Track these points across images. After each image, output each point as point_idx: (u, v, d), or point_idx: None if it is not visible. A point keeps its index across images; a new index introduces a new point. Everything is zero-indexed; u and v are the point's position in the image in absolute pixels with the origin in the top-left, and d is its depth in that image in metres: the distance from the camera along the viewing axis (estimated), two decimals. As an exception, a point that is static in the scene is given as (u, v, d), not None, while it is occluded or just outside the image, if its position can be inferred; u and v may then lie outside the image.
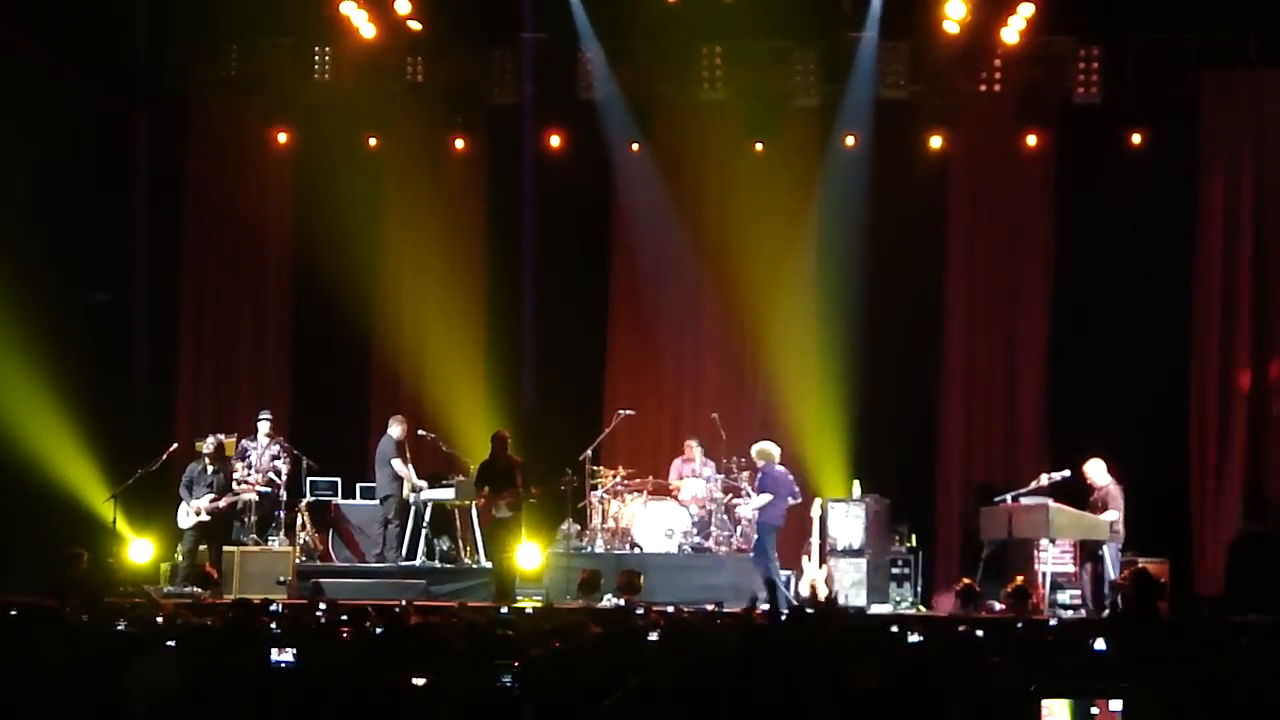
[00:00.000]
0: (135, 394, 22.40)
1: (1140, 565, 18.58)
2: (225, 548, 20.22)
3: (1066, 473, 19.32)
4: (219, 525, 20.13)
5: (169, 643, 8.61)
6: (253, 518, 20.58)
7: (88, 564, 18.51)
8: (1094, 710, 5.84)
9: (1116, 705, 5.87)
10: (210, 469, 20.05)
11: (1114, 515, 18.98)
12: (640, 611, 14.82)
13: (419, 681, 6.59)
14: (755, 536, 19.44)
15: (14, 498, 20.48)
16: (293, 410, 22.69)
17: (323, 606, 14.83)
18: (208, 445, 20.16)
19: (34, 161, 20.70)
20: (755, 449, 19.61)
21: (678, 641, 9.71)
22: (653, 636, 10.11)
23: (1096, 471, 19.24)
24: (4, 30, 20.32)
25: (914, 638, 10.03)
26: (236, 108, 22.66)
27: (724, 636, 10.62)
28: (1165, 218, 21.31)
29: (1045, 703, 5.88)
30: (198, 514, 19.90)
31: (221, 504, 20.02)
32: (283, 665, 7.91)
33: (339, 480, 21.67)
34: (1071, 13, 20.81)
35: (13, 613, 12.11)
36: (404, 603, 15.59)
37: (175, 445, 20.42)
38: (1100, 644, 9.97)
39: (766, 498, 19.18)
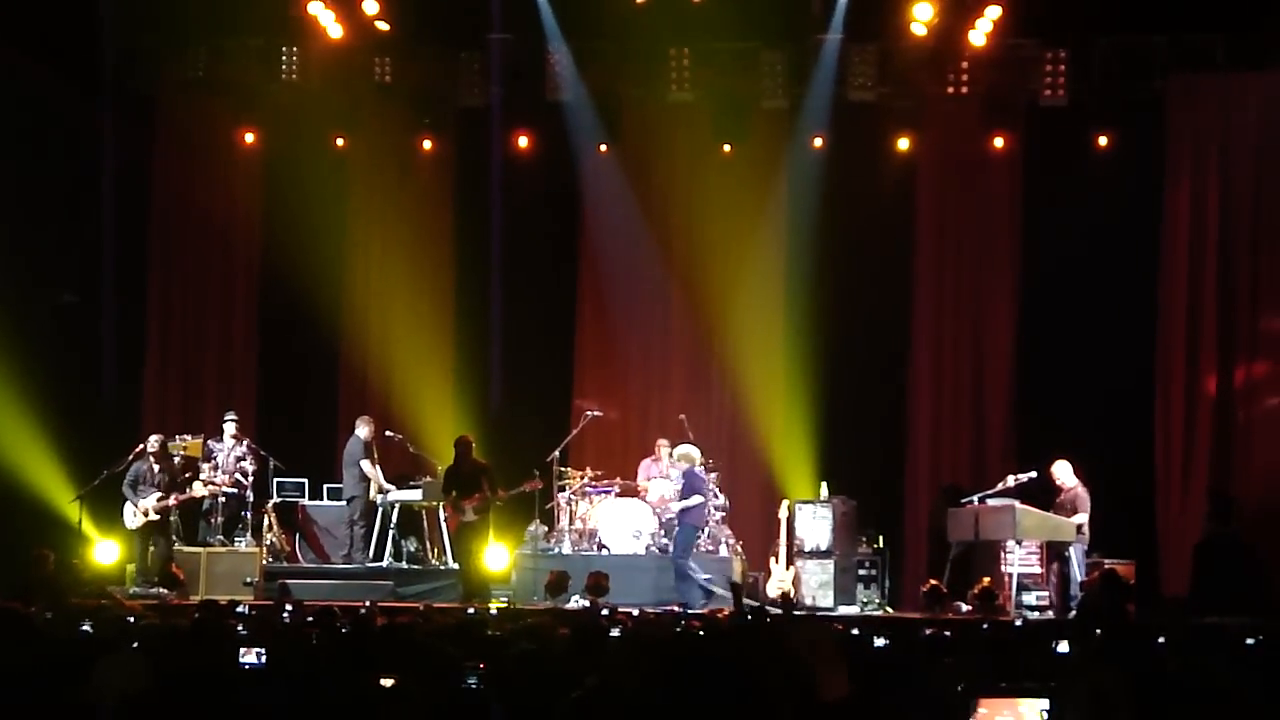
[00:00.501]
0: (102, 394, 22.32)
1: (1107, 566, 18.67)
2: (189, 548, 20.19)
3: (1033, 474, 19.38)
4: (166, 524, 20.08)
5: (133, 644, 8.59)
6: (219, 518, 20.53)
7: (54, 565, 18.48)
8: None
9: (1042, 704, 5.90)
10: (156, 468, 19.98)
11: (1083, 518, 19.05)
12: (605, 612, 14.85)
13: (386, 682, 6.59)
14: (675, 535, 19.53)
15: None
16: (260, 411, 22.65)
17: (289, 608, 14.82)
18: (152, 444, 20.09)
19: (1, 160, 20.63)
20: (679, 451, 19.70)
21: (639, 640, 9.73)
22: (614, 633, 10.12)
23: (1064, 473, 19.31)
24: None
25: (879, 641, 10.04)
26: (204, 108, 22.60)
27: (687, 636, 10.64)
28: (1131, 220, 21.39)
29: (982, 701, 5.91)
30: (145, 514, 19.84)
31: (170, 502, 19.96)
32: (249, 666, 7.91)
33: (306, 481, 21.62)
34: (1038, 16, 20.88)
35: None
36: (369, 604, 15.58)
37: (141, 446, 20.34)
38: (1063, 646, 10.00)
39: (698, 499, 19.29)
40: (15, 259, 21.00)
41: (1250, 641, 11.28)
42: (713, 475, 20.61)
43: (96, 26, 21.39)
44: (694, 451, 19.65)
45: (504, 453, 20.97)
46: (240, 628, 11.04)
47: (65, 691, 7.19)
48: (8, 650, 8.37)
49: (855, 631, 11.04)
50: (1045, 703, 5.91)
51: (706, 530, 20.16)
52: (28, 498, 20.60)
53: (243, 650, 8.13)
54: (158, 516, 19.89)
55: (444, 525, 20.89)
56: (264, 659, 8.02)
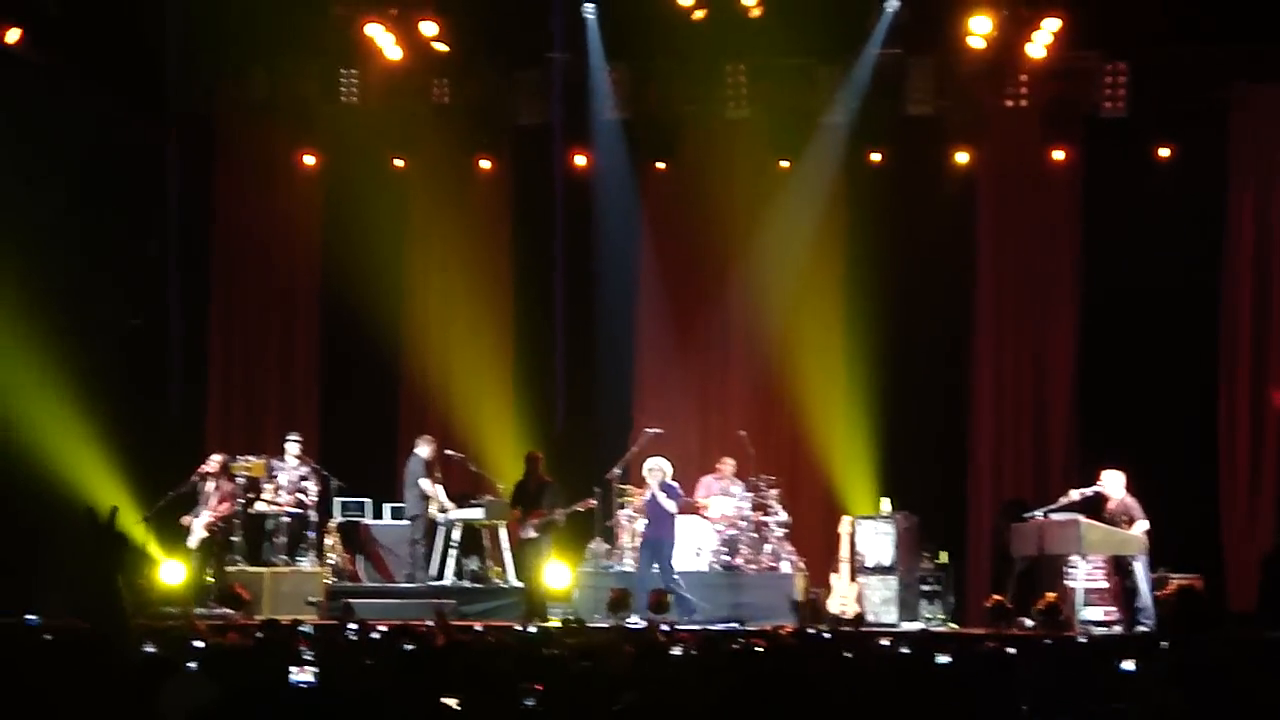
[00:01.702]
0: (167, 417, 22.48)
1: (1176, 581, 18.50)
2: (253, 568, 20.30)
3: (1097, 488, 19.24)
4: (223, 543, 20.19)
5: (190, 664, 8.63)
6: (283, 538, 20.62)
7: (121, 586, 18.56)
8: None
9: None
10: (211, 485, 20.12)
11: (1144, 524, 18.88)
12: (665, 629, 14.84)
13: (449, 703, 6.58)
14: (651, 547, 19.62)
15: (48, 521, 20.56)
16: (322, 431, 22.77)
17: (352, 627, 14.86)
18: (210, 464, 20.25)
19: (64, 184, 20.82)
20: (652, 464, 19.70)
21: (702, 659, 9.71)
22: (676, 651, 10.11)
23: (1112, 484, 19.12)
24: (33, 53, 20.44)
25: (943, 659, 9.98)
26: (263, 130, 22.76)
27: (748, 654, 10.60)
28: (1194, 232, 21.24)
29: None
30: (198, 530, 20.01)
31: (213, 517, 20.07)
32: (302, 685, 7.92)
33: (368, 501, 21.70)
34: (1098, 27, 20.76)
35: (47, 636, 12.14)
36: (432, 622, 15.60)
37: (206, 468, 20.44)
38: (1129, 664, 9.90)
39: (674, 507, 19.55)
40: (80, 283, 21.18)
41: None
42: (774, 491, 20.60)
43: (157, 50, 21.55)
44: (667, 465, 19.70)
45: (566, 470, 21.00)
46: (302, 648, 11.07)
47: (133, 712, 7.22)
48: (76, 672, 8.42)
49: (905, 650, 10.94)
50: None
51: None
52: (93, 520, 20.69)
53: (294, 670, 8.15)
54: (208, 534, 20.02)
55: (505, 543, 20.94)
56: (316, 678, 8.05)
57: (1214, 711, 6.44)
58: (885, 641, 13.27)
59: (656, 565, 19.52)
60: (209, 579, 20.09)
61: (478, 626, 16.30)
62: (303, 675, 8.09)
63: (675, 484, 19.76)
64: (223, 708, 5.41)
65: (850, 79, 21.51)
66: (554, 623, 17.05)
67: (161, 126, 22.12)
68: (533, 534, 20.22)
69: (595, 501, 20.37)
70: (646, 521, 19.80)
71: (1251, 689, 7.16)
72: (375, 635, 12.63)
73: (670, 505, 19.55)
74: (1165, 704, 5.78)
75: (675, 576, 19.43)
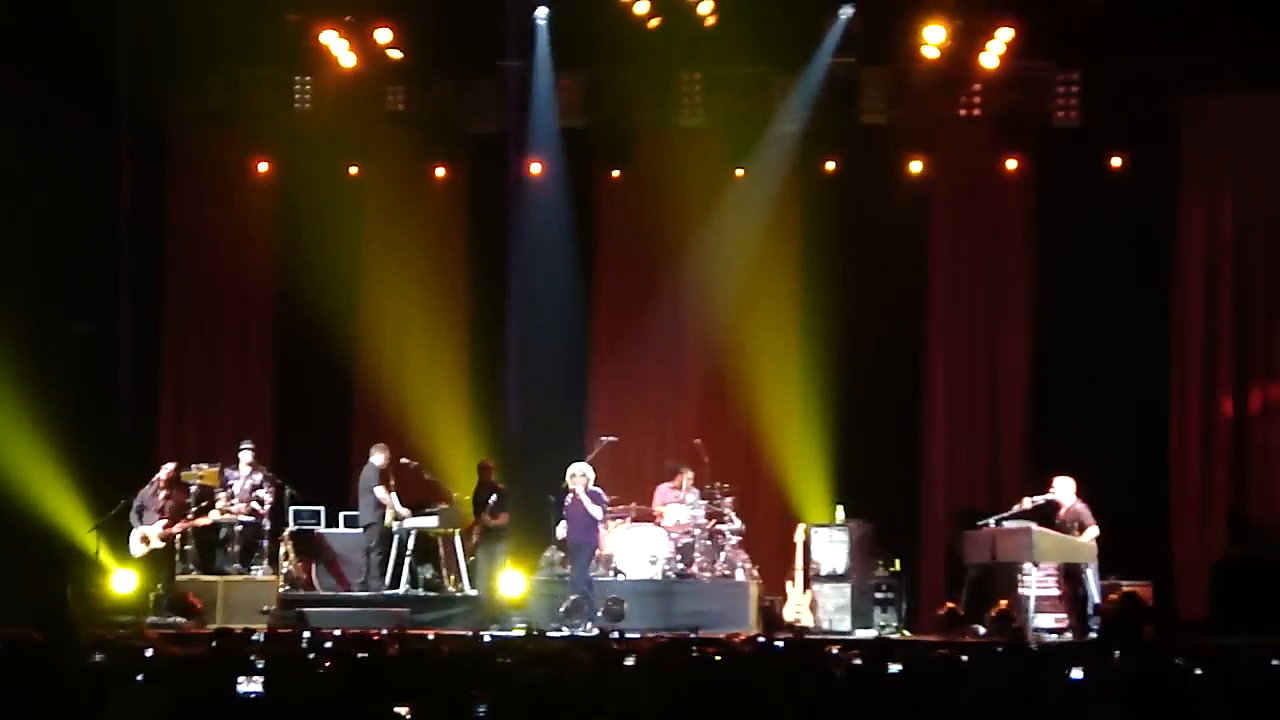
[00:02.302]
0: (119, 424, 22.37)
1: (1125, 588, 18.60)
2: (206, 577, 20.21)
3: (1050, 496, 19.32)
4: (172, 552, 20.10)
5: (138, 676, 8.59)
6: (236, 547, 20.52)
7: (71, 595, 18.51)
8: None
9: None
10: (162, 494, 20.02)
11: (1094, 531, 18.96)
12: (614, 636, 14.85)
13: (400, 711, 6.58)
14: (574, 552, 19.72)
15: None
16: (276, 438, 22.69)
17: (306, 635, 14.80)
18: (164, 471, 20.16)
19: (16, 192, 20.72)
20: (577, 469, 19.76)
21: (656, 668, 9.71)
22: (629, 662, 10.11)
23: (1064, 491, 19.20)
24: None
25: (894, 667, 9.98)
26: (217, 138, 22.70)
27: (704, 663, 10.61)
28: (1146, 241, 21.39)
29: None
30: (145, 541, 19.89)
31: (175, 530, 19.98)
32: (250, 695, 7.90)
33: (322, 509, 21.64)
34: (1051, 38, 20.89)
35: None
36: (385, 632, 15.56)
37: (158, 475, 20.34)
38: (1077, 673, 9.92)
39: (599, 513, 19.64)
40: (32, 289, 21.10)
41: (1276, 663, 11.20)
42: (729, 499, 20.62)
43: (111, 57, 21.45)
44: (590, 470, 19.82)
45: (520, 479, 20.99)
46: (253, 658, 11.03)
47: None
48: (26, 680, 8.38)
49: (857, 662, 10.93)
50: None
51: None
52: (45, 527, 20.65)
53: (241, 679, 8.12)
54: (162, 544, 19.92)
55: (460, 551, 20.93)
56: (265, 687, 8.03)
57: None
58: (836, 650, 13.28)
59: (575, 569, 19.61)
60: (160, 588, 19.99)
61: (430, 635, 16.26)
62: (251, 685, 8.07)
63: (599, 490, 19.80)
64: (170, 718, 5.40)
65: (804, 88, 21.54)
66: (512, 630, 17.04)
67: (115, 134, 21.98)
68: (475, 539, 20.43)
69: (505, 515, 20.43)
70: (569, 527, 19.81)
71: (1195, 701, 7.20)
72: (328, 644, 12.58)
73: (596, 511, 19.57)
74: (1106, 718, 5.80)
75: (588, 582, 19.49)
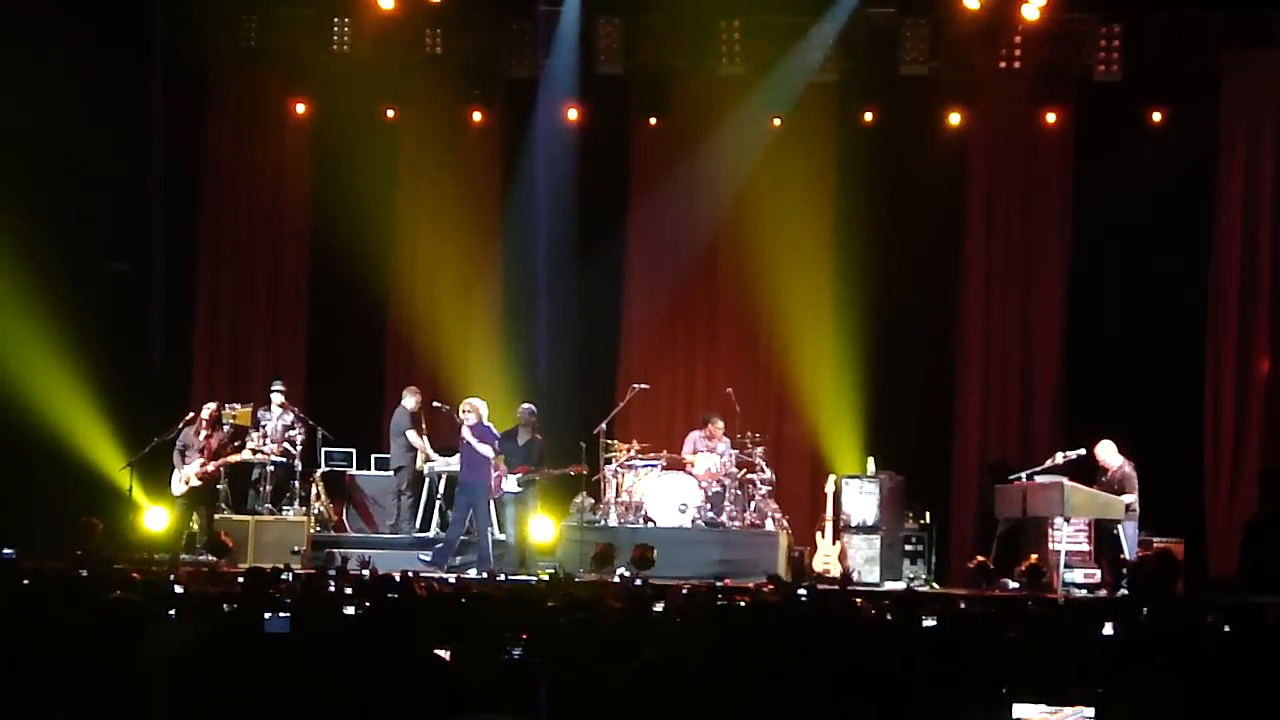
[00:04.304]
0: (152, 363, 22.46)
1: (1157, 545, 18.59)
2: (238, 516, 20.31)
3: (1082, 451, 19.30)
4: (211, 492, 20.18)
5: (170, 611, 8.65)
6: (267, 487, 20.60)
7: (102, 532, 18.65)
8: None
9: (1089, 712, 5.83)
10: (202, 435, 20.07)
11: (1131, 497, 18.98)
12: (638, 583, 14.88)
13: (438, 653, 6.59)
14: (467, 491, 19.87)
15: (32, 465, 20.58)
16: (308, 380, 22.76)
17: (331, 573, 14.89)
18: (204, 411, 20.20)
19: (54, 129, 20.74)
20: (468, 403, 19.90)
21: (691, 615, 9.72)
22: (658, 608, 10.13)
23: (1108, 453, 19.22)
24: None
25: (928, 621, 9.97)
26: (255, 77, 22.66)
27: (739, 611, 10.63)
28: (1184, 196, 21.24)
29: (1016, 707, 5.84)
30: (186, 481, 19.95)
31: (210, 469, 20.04)
32: (275, 631, 7.95)
33: (354, 451, 21.69)
34: (1092, -11, 20.75)
35: (26, 581, 12.17)
36: (412, 573, 15.65)
37: (192, 414, 20.41)
38: (1108, 629, 9.91)
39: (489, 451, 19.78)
40: (66, 228, 21.15)
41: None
42: (759, 449, 20.62)
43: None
44: (483, 405, 19.82)
45: (551, 424, 21.00)
46: (280, 595, 11.09)
47: (115, 655, 7.24)
48: (59, 614, 8.44)
49: (889, 617, 10.94)
50: (1090, 712, 5.84)
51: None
52: (79, 465, 20.77)
53: (267, 615, 8.17)
54: (200, 483, 19.99)
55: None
56: (289, 624, 8.08)
57: (1203, 692, 6.44)
58: (867, 601, 13.29)
59: (471, 510, 19.69)
60: (194, 526, 20.09)
61: (452, 579, 16.34)
62: (277, 622, 8.12)
63: (489, 425, 19.86)
64: (196, 651, 5.42)
65: (821, 37, 21.41)
66: (540, 576, 17.08)
67: (152, 72, 21.99)
68: (516, 488, 20.27)
69: (585, 468, 20.39)
70: (461, 464, 19.86)
71: (1223, 657, 7.16)
72: (355, 585, 12.65)
73: (484, 450, 19.59)
74: (1147, 688, 5.76)
75: (489, 527, 19.75)
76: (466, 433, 19.69)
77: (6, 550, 16.30)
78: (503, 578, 17.01)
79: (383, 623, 9.14)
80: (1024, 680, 6.30)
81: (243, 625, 8.25)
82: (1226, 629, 10.31)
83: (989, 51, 21.36)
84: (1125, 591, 17.42)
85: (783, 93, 21.87)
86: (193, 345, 23.05)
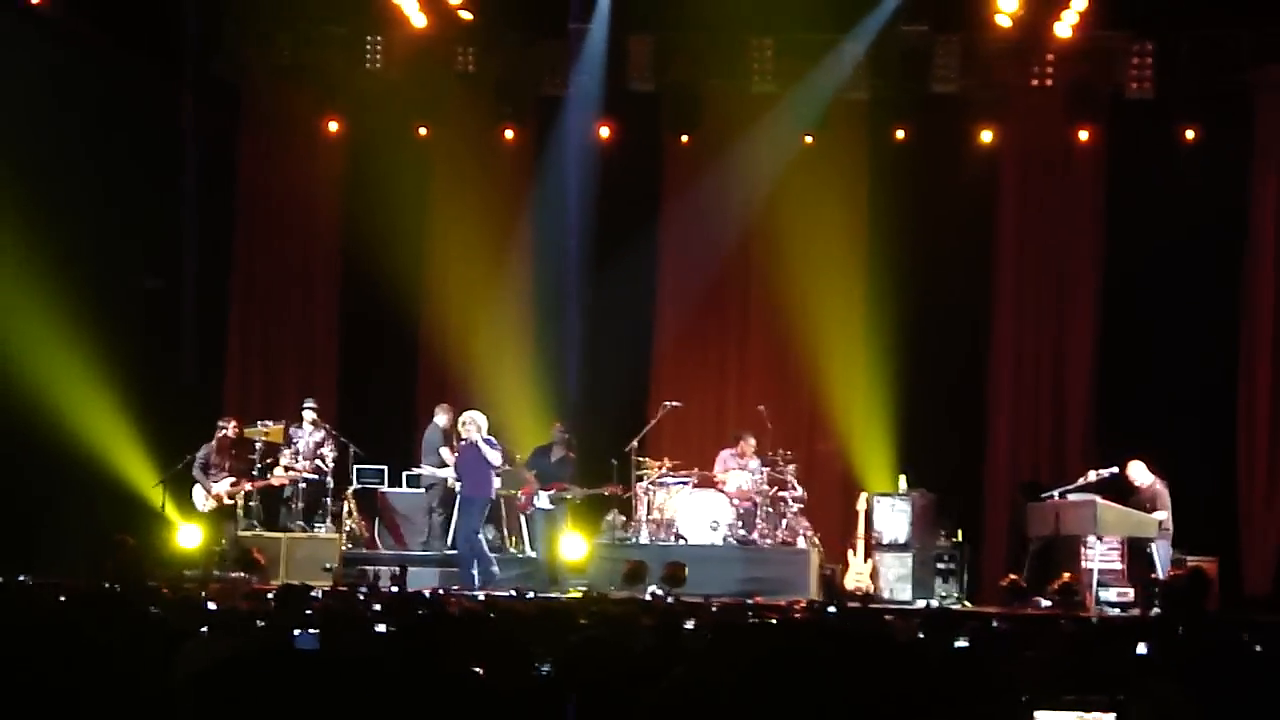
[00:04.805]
0: (185, 380, 22.53)
1: (1190, 563, 18.51)
2: (270, 533, 20.35)
3: (1114, 469, 19.25)
4: (232, 509, 20.21)
5: (202, 628, 8.68)
6: (299, 504, 20.63)
7: (134, 549, 18.69)
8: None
9: (1109, 719, 5.82)
10: (229, 451, 20.10)
11: (1164, 514, 18.93)
12: (670, 600, 14.86)
13: (464, 670, 6.59)
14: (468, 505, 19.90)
15: (65, 483, 20.65)
16: (340, 397, 22.79)
17: (363, 590, 14.91)
18: (228, 429, 20.24)
19: (88, 146, 20.85)
20: (467, 416, 19.92)
21: (720, 633, 9.70)
22: (689, 625, 10.11)
23: (1138, 473, 19.18)
24: (59, 16, 20.46)
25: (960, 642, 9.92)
26: (288, 96, 22.75)
27: (766, 629, 10.59)
28: (1217, 215, 21.17)
29: (1039, 714, 5.83)
30: (217, 499, 19.97)
31: (248, 487, 20.06)
32: (306, 649, 7.97)
33: (385, 468, 21.71)
34: (1125, 7, 20.71)
35: (61, 598, 12.20)
36: (444, 591, 15.66)
37: (222, 432, 20.45)
38: (1142, 648, 9.87)
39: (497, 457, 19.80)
40: (101, 244, 21.23)
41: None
42: (791, 467, 20.59)
43: (182, 14, 21.57)
44: (482, 418, 19.84)
45: (582, 442, 21.01)
46: (312, 612, 11.11)
47: (146, 673, 7.25)
48: (92, 631, 8.45)
49: (921, 636, 10.90)
50: (1111, 717, 5.83)
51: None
52: (112, 482, 20.83)
53: (298, 633, 8.20)
54: (230, 501, 20.04)
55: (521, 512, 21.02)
56: (320, 642, 8.10)
57: (1218, 708, 6.42)
58: (898, 619, 13.25)
59: (463, 524, 19.79)
60: (224, 544, 20.13)
61: (481, 596, 16.34)
62: (307, 639, 8.14)
63: (493, 438, 19.87)
64: (224, 669, 5.42)
65: (848, 55, 21.44)
66: (571, 594, 17.08)
67: (185, 89, 22.10)
68: (548, 505, 20.30)
69: (620, 487, 20.41)
70: (462, 479, 19.88)
71: (1257, 677, 7.13)
72: (386, 602, 12.66)
73: (494, 457, 19.61)
74: (1166, 698, 5.75)
75: (480, 539, 19.72)
76: (480, 441, 19.67)
77: (20, 576, 16.36)
78: (531, 595, 17.00)
79: (414, 640, 9.14)
80: (1045, 688, 6.29)
81: (274, 642, 8.27)
82: (1258, 648, 10.25)
83: (1021, 69, 21.36)
84: (1158, 610, 17.34)
85: (814, 110, 21.89)
86: (225, 362, 23.13)
